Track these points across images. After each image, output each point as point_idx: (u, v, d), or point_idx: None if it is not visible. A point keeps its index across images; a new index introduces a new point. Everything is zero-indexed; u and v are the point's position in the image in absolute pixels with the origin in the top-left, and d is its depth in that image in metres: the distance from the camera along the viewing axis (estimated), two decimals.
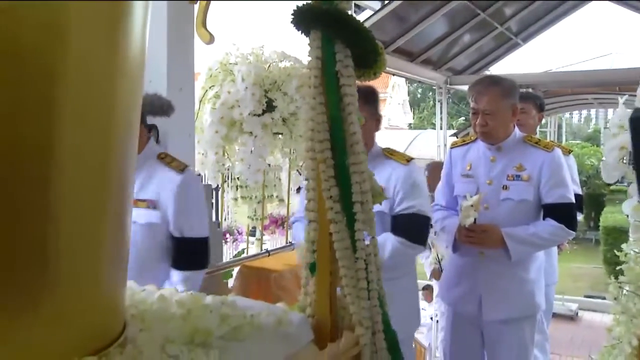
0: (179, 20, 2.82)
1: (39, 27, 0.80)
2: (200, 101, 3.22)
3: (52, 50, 0.82)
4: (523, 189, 2.70)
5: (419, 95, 31.32)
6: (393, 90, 24.26)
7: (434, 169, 4.04)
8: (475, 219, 2.56)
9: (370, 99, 2.39)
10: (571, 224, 2.69)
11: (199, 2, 1.34)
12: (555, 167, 2.66)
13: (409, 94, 28.17)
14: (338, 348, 1.08)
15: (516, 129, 2.89)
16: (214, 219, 3.19)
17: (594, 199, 14.91)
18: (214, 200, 3.33)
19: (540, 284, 2.87)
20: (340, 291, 1.19)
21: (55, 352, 0.89)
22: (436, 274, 4.07)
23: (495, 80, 2.72)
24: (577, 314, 7.18)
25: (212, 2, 1.35)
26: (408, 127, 24.49)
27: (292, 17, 1.13)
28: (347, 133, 1.12)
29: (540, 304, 2.83)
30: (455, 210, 2.75)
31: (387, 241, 2.26)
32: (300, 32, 1.15)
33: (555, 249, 3.92)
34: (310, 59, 1.12)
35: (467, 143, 2.83)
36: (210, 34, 1.39)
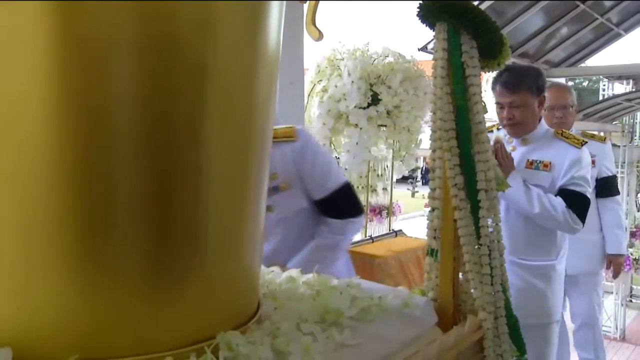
0: (290, 18, 2.86)
1: (193, 23, 0.82)
2: (309, 95, 3.25)
3: (204, 46, 0.84)
4: None
5: None
6: (487, 84, 23.71)
7: None
8: None
9: None
10: None
11: (308, 1, 1.34)
12: None
13: None
14: (464, 330, 1.06)
15: None
16: None
17: None
18: None
19: None
20: (462, 276, 1.17)
21: (201, 326, 0.91)
22: None
23: None
24: None
25: (321, 0, 1.35)
26: None
27: (418, 10, 1.12)
28: (472, 122, 1.10)
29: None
30: None
31: None
32: (425, 25, 1.13)
33: (555, 281, 2.82)
34: (436, 50, 1.10)
35: None
36: (320, 32, 1.39)
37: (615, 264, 3.88)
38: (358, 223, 2.21)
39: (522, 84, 2.67)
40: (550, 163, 2.68)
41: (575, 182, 2.63)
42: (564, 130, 2.87)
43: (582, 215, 2.62)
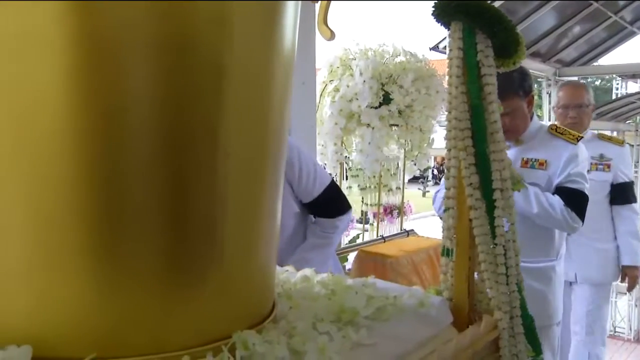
0: (302, 18, 2.86)
1: (210, 22, 0.82)
2: (321, 95, 3.26)
3: (221, 45, 0.84)
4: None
5: None
6: None
7: None
8: None
9: None
10: None
11: (320, 0, 1.34)
12: None
13: None
14: (479, 330, 1.06)
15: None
16: None
17: None
18: None
19: None
20: (477, 276, 1.17)
21: (217, 325, 0.92)
22: None
23: None
24: None
25: (332, 0, 1.35)
26: None
27: (433, 9, 1.12)
28: (487, 122, 1.10)
29: None
30: None
31: None
32: (440, 24, 1.13)
33: (555, 282, 2.80)
34: (451, 49, 1.10)
35: None
36: (331, 31, 1.40)
37: (630, 276, 3.68)
38: (346, 220, 2.32)
39: (508, 91, 2.59)
40: (545, 161, 2.65)
41: (572, 179, 2.59)
42: (558, 125, 2.82)
43: (580, 213, 2.57)
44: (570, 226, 2.57)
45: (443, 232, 1.16)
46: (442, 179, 2.96)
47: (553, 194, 2.59)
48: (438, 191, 2.88)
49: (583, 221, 2.60)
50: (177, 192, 0.84)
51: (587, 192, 2.63)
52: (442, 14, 1.11)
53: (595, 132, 3.79)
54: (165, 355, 0.84)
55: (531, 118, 2.77)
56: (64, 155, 0.78)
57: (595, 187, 3.45)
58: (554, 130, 2.73)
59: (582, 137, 2.72)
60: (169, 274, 0.85)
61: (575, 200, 2.55)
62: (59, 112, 0.76)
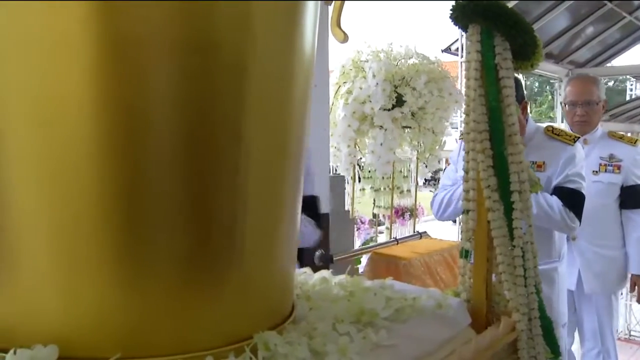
0: None
1: (232, 23, 0.83)
2: (334, 97, 3.27)
3: (243, 45, 0.85)
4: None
5: (535, 90, 30.10)
6: None
7: None
8: None
9: None
10: None
11: (333, 2, 1.34)
12: None
13: (525, 89, 27.18)
14: (498, 332, 1.07)
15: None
16: (345, 208, 3.24)
17: None
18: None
19: None
20: (495, 278, 1.17)
21: (238, 326, 0.93)
22: None
23: None
24: None
25: (345, 2, 1.36)
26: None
27: (451, 12, 1.13)
28: (505, 124, 1.11)
29: None
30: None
31: None
32: (457, 27, 1.14)
33: (559, 284, 2.79)
34: (469, 52, 1.11)
35: None
36: (345, 33, 1.40)
37: None
38: (310, 233, 2.38)
39: None
40: (543, 163, 2.66)
41: (570, 180, 2.61)
42: (554, 127, 2.81)
43: (578, 213, 2.57)
44: (569, 226, 2.58)
45: (461, 234, 1.17)
46: (440, 182, 2.95)
47: (551, 194, 2.60)
48: (436, 194, 2.87)
49: (580, 221, 2.61)
50: (199, 193, 0.85)
51: (584, 192, 2.63)
52: (460, 16, 1.12)
53: (606, 131, 3.58)
54: (188, 355, 0.86)
55: (526, 121, 2.79)
56: (89, 156, 0.79)
57: (604, 190, 3.36)
58: (550, 132, 2.74)
59: (578, 138, 2.72)
60: (191, 274, 0.87)
61: (573, 200, 2.56)
62: (83, 113, 0.77)
